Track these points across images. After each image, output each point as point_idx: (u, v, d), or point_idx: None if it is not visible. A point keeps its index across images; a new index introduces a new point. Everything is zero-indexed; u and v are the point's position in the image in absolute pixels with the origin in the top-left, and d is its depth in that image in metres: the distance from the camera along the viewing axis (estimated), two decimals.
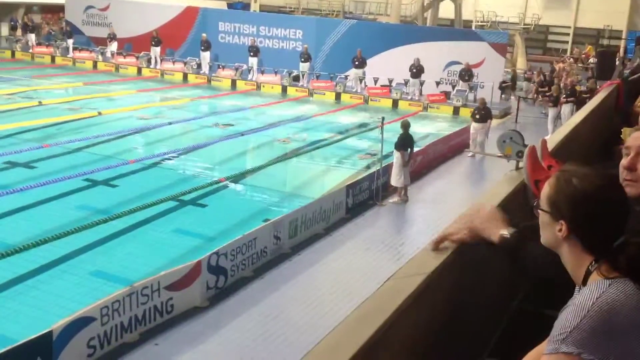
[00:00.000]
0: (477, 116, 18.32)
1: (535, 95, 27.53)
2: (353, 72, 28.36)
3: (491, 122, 18.41)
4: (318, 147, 18.89)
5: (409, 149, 13.87)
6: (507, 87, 28.00)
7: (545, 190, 1.93)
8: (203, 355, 7.52)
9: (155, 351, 7.55)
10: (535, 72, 29.32)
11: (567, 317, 1.70)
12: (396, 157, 13.78)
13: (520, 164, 3.58)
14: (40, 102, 22.40)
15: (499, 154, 3.89)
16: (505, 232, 2.36)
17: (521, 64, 37.73)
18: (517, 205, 3.17)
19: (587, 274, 1.81)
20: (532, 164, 3.33)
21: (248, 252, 9.85)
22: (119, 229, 11.50)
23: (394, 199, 13.83)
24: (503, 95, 27.58)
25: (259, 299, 9.13)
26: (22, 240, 10.47)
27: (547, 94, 23.86)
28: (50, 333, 6.61)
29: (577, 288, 1.90)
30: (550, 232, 1.90)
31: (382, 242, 11.54)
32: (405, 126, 14.09)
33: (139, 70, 31.16)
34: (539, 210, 1.93)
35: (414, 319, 2.18)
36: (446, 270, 2.36)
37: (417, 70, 26.82)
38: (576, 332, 1.65)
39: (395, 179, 13.74)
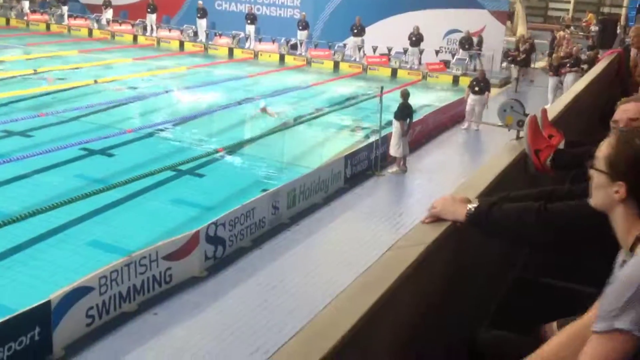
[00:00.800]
0: (476, 88, 17.73)
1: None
2: (352, 41, 28.07)
3: (489, 95, 17.93)
4: (316, 117, 18.79)
5: (408, 119, 13.74)
6: (522, 60, 26.57)
7: (604, 150, 1.84)
8: (202, 324, 7.55)
9: (154, 320, 7.58)
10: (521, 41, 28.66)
11: (618, 291, 1.61)
12: (395, 127, 13.63)
13: (521, 134, 3.54)
14: (35, 71, 22.19)
15: (500, 124, 3.84)
16: (469, 206, 2.36)
17: (521, 32, 37.35)
18: (518, 176, 3.14)
19: (637, 241, 1.76)
20: (533, 134, 3.29)
21: (246, 222, 9.84)
22: (117, 199, 11.47)
23: (393, 169, 13.73)
24: (511, 67, 26.67)
25: (258, 268, 9.14)
26: (19, 210, 10.44)
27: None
28: (48, 302, 6.62)
29: (621, 255, 1.84)
30: (605, 193, 1.83)
31: (380, 212, 11.54)
32: (405, 95, 13.90)
33: (135, 38, 30.83)
34: (594, 171, 1.86)
35: (414, 288, 2.16)
36: (446, 240, 2.34)
37: (416, 39, 26.56)
38: (630, 307, 1.57)
39: (394, 149, 13.64)
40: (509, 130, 3.75)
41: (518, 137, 3.57)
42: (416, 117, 15.13)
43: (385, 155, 14.18)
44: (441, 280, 2.47)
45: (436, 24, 27.26)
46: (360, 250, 9.84)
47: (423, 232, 2.35)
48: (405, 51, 27.13)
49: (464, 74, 25.50)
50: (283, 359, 1.68)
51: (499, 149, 3.59)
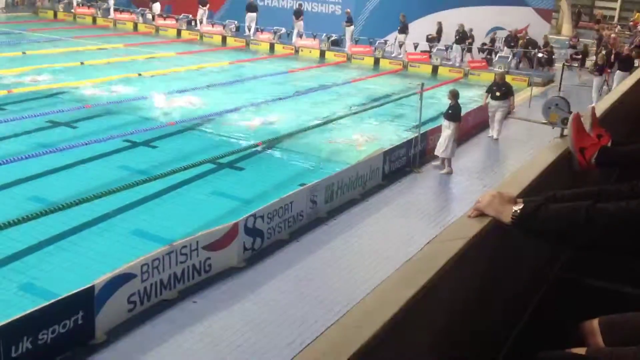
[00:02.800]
0: (497, 93, 16.08)
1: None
2: (397, 37, 27.96)
3: (514, 100, 16.59)
4: (355, 113, 18.79)
5: (458, 120, 13.42)
6: (576, 60, 26.11)
7: None
8: (239, 313, 7.66)
9: (194, 308, 7.73)
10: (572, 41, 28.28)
11: None
12: (447, 127, 13.34)
13: (565, 132, 3.51)
14: (82, 63, 22.71)
15: (544, 121, 3.80)
16: (515, 208, 2.32)
17: (566, 30, 36.66)
18: (562, 173, 3.12)
19: None
20: (577, 131, 3.26)
21: (284, 215, 9.94)
22: (158, 190, 11.69)
23: (443, 170, 13.46)
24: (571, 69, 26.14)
25: (295, 261, 9.22)
26: (63, 198, 10.73)
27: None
28: (92, 288, 6.81)
29: None
30: None
31: (418, 209, 11.50)
32: (455, 95, 13.55)
33: (179, 33, 31.26)
34: None
35: (454, 282, 2.18)
36: (488, 235, 2.34)
37: (461, 37, 26.32)
38: None
39: (441, 150, 13.36)
40: (552, 128, 3.72)
41: (562, 135, 3.54)
42: None
43: (424, 152, 14.13)
44: (481, 276, 2.48)
45: (479, 21, 26.96)
46: (397, 246, 9.86)
47: (465, 226, 2.36)
48: (448, 48, 26.90)
49: (507, 72, 25.20)
50: (323, 347, 1.70)
51: (542, 147, 3.57)
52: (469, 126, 16.56)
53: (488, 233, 2.35)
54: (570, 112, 3.53)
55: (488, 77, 25.14)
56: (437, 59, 26.50)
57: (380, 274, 8.72)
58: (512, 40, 26.02)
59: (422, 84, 13.80)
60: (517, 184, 2.73)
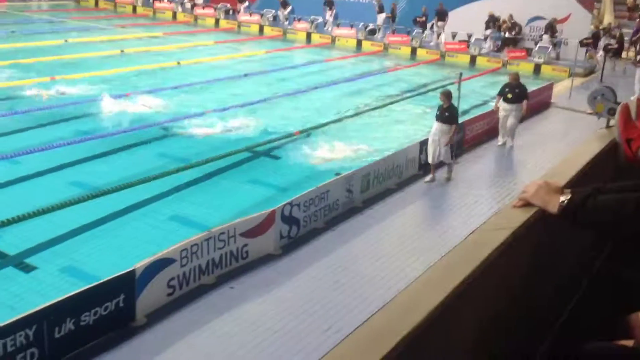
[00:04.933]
0: (509, 95, 14.39)
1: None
2: (435, 26, 27.73)
3: (527, 104, 14.64)
4: (392, 102, 18.71)
5: (454, 123, 12.23)
6: (588, 44, 26.11)
7: None
8: (276, 300, 7.74)
9: (231, 294, 7.83)
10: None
11: None
12: (440, 132, 12.07)
13: (612, 122, 3.45)
14: (122, 51, 23.05)
15: (589, 111, 3.75)
16: (562, 198, 2.31)
17: (608, 20, 35.78)
18: (608, 164, 3.08)
19: None
20: (625, 122, 3.21)
21: (320, 204, 9.97)
22: (196, 177, 11.85)
23: (436, 175, 12.24)
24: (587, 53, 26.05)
25: (330, 250, 9.25)
26: (104, 184, 10.96)
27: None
28: (133, 272, 6.95)
29: None
30: None
31: (454, 200, 11.42)
32: (449, 97, 12.23)
33: (217, 22, 31.48)
34: None
35: (499, 272, 2.18)
36: (533, 226, 2.34)
37: (491, 23, 26.08)
38: None
39: (437, 157, 12.15)
40: (598, 119, 3.67)
41: (608, 126, 3.48)
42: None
43: (462, 142, 14.00)
44: (526, 266, 2.48)
45: (520, 11, 26.52)
46: (432, 237, 9.81)
47: (510, 215, 2.36)
48: (486, 38, 26.55)
49: (546, 63, 24.80)
50: (369, 332, 1.73)
51: (588, 137, 3.52)
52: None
53: (533, 223, 2.35)
54: (617, 103, 3.47)
55: (527, 67, 24.81)
56: (475, 49, 26.17)
57: (416, 264, 8.72)
58: (550, 29, 25.55)
59: (461, 74, 13.63)
60: (563, 174, 2.71)
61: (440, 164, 12.37)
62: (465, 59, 26.07)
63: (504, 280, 2.29)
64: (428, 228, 10.23)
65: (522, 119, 14.88)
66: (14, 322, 5.92)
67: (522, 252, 2.38)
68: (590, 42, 25.98)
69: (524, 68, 24.84)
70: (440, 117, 12.15)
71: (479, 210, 10.82)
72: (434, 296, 1.83)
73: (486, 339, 2.22)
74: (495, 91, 15.30)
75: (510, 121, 14.41)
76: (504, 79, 15.64)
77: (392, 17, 28.74)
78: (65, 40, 24.32)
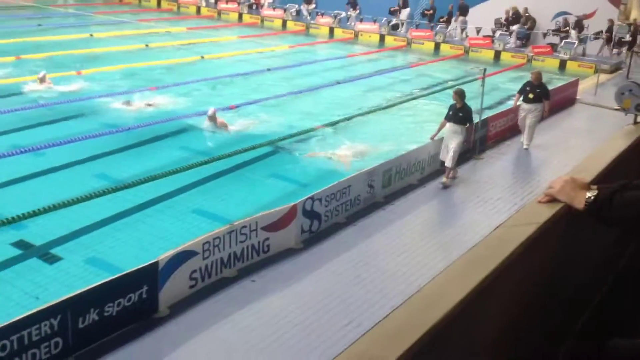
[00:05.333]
0: (531, 95, 13.81)
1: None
2: (458, 21, 27.56)
3: (548, 105, 13.99)
4: (415, 98, 18.63)
5: (469, 124, 11.89)
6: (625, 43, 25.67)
7: None
8: (297, 294, 7.76)
9: (252, 287, 7.87)
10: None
11: None
12: (453, 133, 11.68)
13: (639, 118, 3.41)
14: (147, 45, 23.23)
15: (616, 107, 3.70)
16: (589, 194, 2.28)
17: (635, 16, 35.18)
18: (635, 160, 3.04)
19: None
20: None
21: (342, 199, 9.97)
22: (219, 171, 11.91)
23: (445, 180, 11.66)
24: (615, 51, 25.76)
25: (352, 245, 9.26)
26: (128, 177, 11.08)
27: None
28: (156, 263, 7.01)
29: None
30: None
31: (477, 196, 11.34)
32: (462, 96, 11.77)
33: (240, 17, 31.58)
34: None
35: (524, 267, 2.17)
36: (559, 221, 2.32)
37: (514, 19, 25.85)
38: None
39: (449, 158, 11.64)
40: (625, 114, 3.62)
41: (636, 122, 3.44)
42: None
43: (485, 138, 13.90)
44: (551, 262, 2.45)
45: (545, 6, 26.22)
46: (454, 233, 9.77)
47: (535, 211, 2.34)
48: (511, 33, 26.30)
49: (572, 59, 24.50)
50: (392, 326, 1.73)
51: (615, 133, 3.48)
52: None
53: (559, 219, 2.33)
54: None
55: (553, 63, 24.53)
56: (499, 44, 25.93)
57: (438, 260, 8.68)
58: (577, 25, 25.23)
59: (485, 69, 13.54)
60: (589, 170, 2.69)
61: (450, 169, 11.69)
62: (490, 54, 25.84)
63: (528, 277, 2.27)
64: (450, 224, 10.17)
65: (542, 119, 14.41)
66: (39, 312, 6.01)
67: (547, 248, 2.35)
68: (606, 36, 25.64)
69: (549, 64, 24.58)
70: (454, 118, 11.67)
71: (502, 207, 10.74)
72: (457, 291, 1.82)
73: (508, 336, 2.21)
74: (519, 87, 15.13)
75: (530, 121, 13.82)
76: (528, 76, 15.47)
77: (432, 14, 28.58)
78: (91, 35, 24.58)
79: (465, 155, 13.25)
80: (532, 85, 13.97)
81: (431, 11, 28.54)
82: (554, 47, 25.42)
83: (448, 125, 11.77)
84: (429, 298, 1.82)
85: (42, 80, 16.40)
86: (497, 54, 25.78)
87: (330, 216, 9.76)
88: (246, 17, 31.49)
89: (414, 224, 10.19)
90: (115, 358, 6.40)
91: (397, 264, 9.00)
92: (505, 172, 13.02)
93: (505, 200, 11.09)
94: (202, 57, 21.96)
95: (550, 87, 16.20)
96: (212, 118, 14.05)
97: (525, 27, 26.55)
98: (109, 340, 6.61)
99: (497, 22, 27.15)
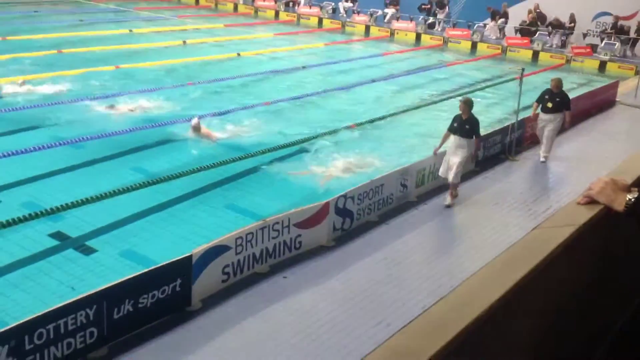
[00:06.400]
0: (549, 104, 12.81)
1: None
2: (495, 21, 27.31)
3: (569, 116, 13.01)
4: (450, 97, 18.47)
5: (478, 137, 10.88)
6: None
7: None
8: (328, 291, 7.77)
9: (284, 283, 7.90)
10: None
11: None
12: (458, 147, 10.55)
13: None
14: (184, 42, 23.49)
15: None
16: (629, 196, 2.23)
17: None
18: None
19: None
20: None
21: (374, 198, 9.95)
22: (251, 167, 11.97)
23: (448, 200, 10.64)
24: None
25: (383, 243, 9.22)
26: (162, 171, 11.20)
27: None
28: (190, 257, 7.09)
29: None
30: None
31: (512, 197, 11.20)
32: (470, 105, 10.69)
33: (277, 14, 31.71)
34: None
35: (561, 269, 2.13)
36: (597, 223, 2.28)
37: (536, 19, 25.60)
38: None
39: (452, 174, 10.54)
40: None
41: None
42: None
43: (521, 139, 13.71)
44: (589, 264, 2.41)
45: (585, 6, 25.75)
46: (488, 234, 9.65)
47: (574, 212, 2.30)
48: (550, 33, 25.90)
49: (612, 60, 24.03)
50: (428, 322, 1.72)
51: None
52: (572, 114, 15.64)
53: (598, 221, 2.29)
54: None
55: (592, 65, 24.08)
56: (538, 44, 25.56)
57: (469, 262, 8.59)
58: (618, 26, 24.73)
59: (523, 69, 13.35)
60: (630, 172, 2.63)
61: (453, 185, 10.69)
62: (528, 54, 25.48)
63: (566, 277, 2.24)
64: (484, 225, 10.04)
65: (562, 130, 13.56)
66: (76, 302, 6.13)
67: (585, 250, 2.32)
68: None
69: (589, 65, 24.15)
70: (459, 130, 10.52)
71: (538, 208, 10.59)
72: (495, 290, 1.80)
73: (546, 335, 2.18)
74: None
75: (548, 133, 12.82)
76: (566, 76, 15.23)
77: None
78: (130, 30, 24.93)
79: (500, 156, 13.11)
80: (552, 94, 12.95)
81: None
82: (593, 48, 24.96)
83: (452, 137, 10.60)
84: (466, 295, 1.80)
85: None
86: (536, 54, 25.40)
87: (363, 214, 9.74)
88: (283, 15, 31.61)
89: (446, 224, 10.12)
90: (148, 350, 6.50)
91: (429, 264, 8.94)
92: (542, 174, 12.80)
93: (544, 202, 10.93)
94: (239, 55, 22.11)
95: (589, 89, 15.84)
96: (196, 129, 13.36)
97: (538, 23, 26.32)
98: (143, 331, 6.71)
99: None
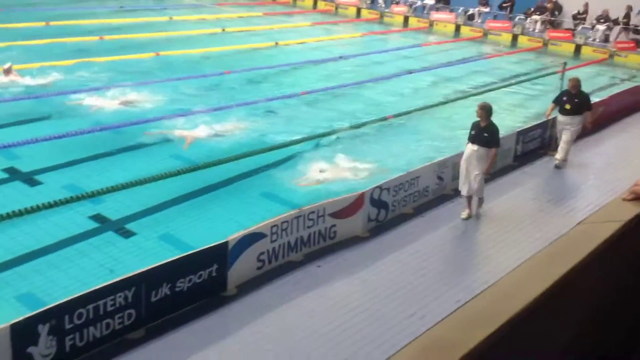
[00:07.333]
0: (567, 106, 11.93)
1: None
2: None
3: (590, 116, 12.16)
4: (489, 90, 18.23)
5: (497, 146, 9.86)
6: None
7: None
8: (361, 282, 7.79)
9: (317, 272, 7.95)
10: None
11: None
12: (475, 157, 9.62)
13: None
14: (223, 30, 23.64)
15: None
16: None
17: None
18: None
19: None
20: None
21: (410, 190, 9.92)
22: (285, 157, 12.00)
23: (465, 212, 9.81)
24: None
25: (418, 236, 9.20)
26: (199, 159, 11.32)
27: None
28: (226, 243, 7.19)
29: None
30: None
31: (550, 193, 11.05)
32: (489, 112, 9.71)
33: (315, 3, 31.66)
34: None
35: (606, 266, 2.11)
36: None
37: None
38: None
39: (474, 187, 9.68)
40: None
41: None
42: (597, 99, 13.98)
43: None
44: (635, 262, 2.38)
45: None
46: (525, 230, 9.53)
47: (619, 208, 2.27)
48: (593, 26, 25.36)
49: None
50: (471, 314, 1.71)
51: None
52: (613, 110, 15.43)
53: None
54: None
55: (636, 60, 23.49)
56: (580, 38, 25.04)
57: (504, 257, 8.49)
58: None
59: (565, 63, 13.12)
60: None
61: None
62: (570, 48, 24.99)
63: (611, 274, 2.21)
64: (522, 220, 9.91)
65: (584, 134, 12.77)
66: (115, 283, 6.28)
67: (631, 246, 2.28)
68: None
69: (633, 60, 23.57)
70: (477, 138, 9.60)
71: (578, 204, 10.42)
72: (537, 285, 1.79)
73: (589, 332, 2.16)
74: (601, 81, 14.58)
75: (566, 136, 11.97)
76: (609, 70, 14.88)
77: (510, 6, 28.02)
78: (170, 18, 25.18)
79: (539, 151, 12.91)
80: (570, 95, 12.00)
81: (509, 3, 27.87)
82: (638, 42, 24.36)
83: (469, 146, 9.69)
84: (508, 289, 1.80)
85: (7, 72, 14.68)
86: (578, 48, 24.90)
87: (398, 206, 9.72)
88: (321, 4, 31.54)
89: (483, 217, 10.00)
90: (183, 333, 6.62)
91: (464, 257, 8.91)
92: (582, 170, 12.56)
93: (582, 199, 10.75)
94: (277, 44, 22.17)
95: (633, 85, 15.34)
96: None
97: (555, 13, 25.82)
98: (179, 315, 6.83)
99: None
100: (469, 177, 9.61)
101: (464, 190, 9.70)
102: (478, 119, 9.71)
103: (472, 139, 9.65)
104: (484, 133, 9.58)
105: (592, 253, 1.99)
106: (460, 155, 10.90)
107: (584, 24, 26.18)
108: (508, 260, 8.27)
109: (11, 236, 8.40)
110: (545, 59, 23.04)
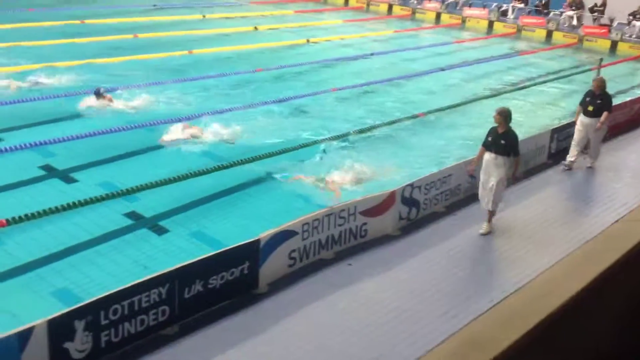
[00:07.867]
0: (590, 107, 11.36)
1: None
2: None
3: (605, 117, 11.37)
4: (522, 87, 18.01)
5: (517, 155, 9.20)
6: None
7: None
8: (392, 280, 7.77)
9: (348, 270, 7.95)
10: None
11: None
12: (494, 165, 9.04)
13: None
14: (256, 28, 23.77)
15: None
16: None
17: None
18: None
19: None
20: None
21: (442, 188, 9.85)
22: (315, 154, 11.98)
23: (484, 228, 9.24)
24: None
25: (450, 234, 9.13)
26: (231, 156, 11.39)
27: None
28: (258, 241, 7.23)
29: None
30: None
31: (585, 192, 10.87)
32: (507, 117, 9.05)
33: (346, 1, 31.62)
34: None
35: None
36: None
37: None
38: None
39: (491, 200, 9.15)
40: None
41: None
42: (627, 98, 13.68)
43: None
44: None
45: None
46: (559, 230, 9.37)
47: None
48: (629, 22, 24.84)
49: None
50: (507, 311, 1.71)
51: None
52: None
53: None
54: None
55: None
56: (617, 34, 24.55)
57: (537, 257, 8.33)
58: None
59: (601, 59, 12.87)
60: None
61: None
62: (606, 44, 24.52)
63: None
64: (557, 219, 9.75)
65: (618, 132, 12.31)
66: (150, 280, 6.35)
67: None
68: None
69: None
70: (494, 146, 9.01)
71: (613, 203, 10.20)
72: (574, 283, 1.78)
73: (626, 332, 2.13)
74: (637, 78, 14.25)
75: (593, 139, 11.54)
76: None
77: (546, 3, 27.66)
78: (204, 16, 25.38)
79: None
80: (593, 96, 11.43)
81: (543, 1, 27.48)
82: None
83: (487, 155, 9.15)
84: (544, 287, 1.78)
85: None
86: (614, 44, 24.41)
87: (429, 205, 9.66)
88: (352, 1, 31.49)
89: (516, 217, 9.86)
90: (216, 329, 6.67)
91: (496, 257, 8.81)
92: (617, 169, 12.32)
93: (618, 198, 10.52)
94: (308, 41, 22.20)
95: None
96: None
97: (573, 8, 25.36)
98: (211, 312, 6.89)
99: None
100: (486, 188, 9.14)
101: (483, 203, 9.25)
102: (496, 124, 9.16)
103: (489, 147, 9.10)
104: (501, 140, 9.01)
105: (631, 250, 1.96)
106: None
107: (602, 16, 25.70)
108: (541, 260, 8.13)
109: (48, 232, 8.57)
110: (580, 55, 22.65)
